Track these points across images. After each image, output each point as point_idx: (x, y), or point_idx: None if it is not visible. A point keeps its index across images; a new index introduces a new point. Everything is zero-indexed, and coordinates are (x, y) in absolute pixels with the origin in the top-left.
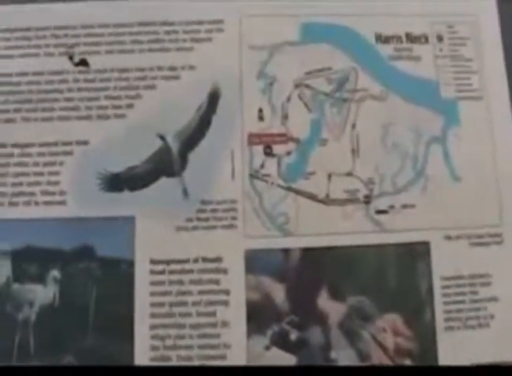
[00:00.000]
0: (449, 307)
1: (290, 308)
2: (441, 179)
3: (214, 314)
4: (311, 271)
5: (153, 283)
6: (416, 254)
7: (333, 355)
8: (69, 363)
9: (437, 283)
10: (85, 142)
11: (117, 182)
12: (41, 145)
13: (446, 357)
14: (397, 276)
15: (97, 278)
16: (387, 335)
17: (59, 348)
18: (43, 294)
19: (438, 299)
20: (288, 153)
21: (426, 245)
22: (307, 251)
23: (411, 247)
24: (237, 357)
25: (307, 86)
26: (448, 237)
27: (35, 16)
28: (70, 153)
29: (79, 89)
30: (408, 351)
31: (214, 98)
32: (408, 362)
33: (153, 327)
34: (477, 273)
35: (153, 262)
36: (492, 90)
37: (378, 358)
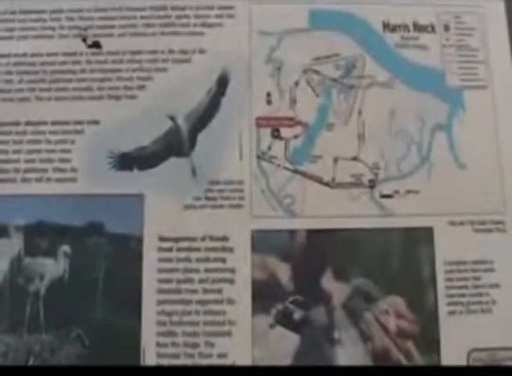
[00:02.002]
0: (452, 292)
1: (294, 287)
2: (446, 166)
3: (220, 291)
4: (316, 252)
5: (160, 260)
6: (419, 239)
7: (335, 335)
8: (77, 336)
9: (440, 268)
10: (96, 122)
11: (126, 161)
12: (54, 123)
13: (448, 341)
14: (401, 259)
15: (106, 254)
16: (390, 317)
17: (68, 320)
18: (53, 268)
19: (441, 284)
20: (295, 137)
21: (430, 230)
22: (312, 233)
23: (415, 232)
24: (242, 334)
25: (315, 72)
26: (452, 223)
27: None
28: (81, 131)
29: (92, 70)
30: (410, 333)
31: (223, 81)
32: (410, 344)
33: (160, 302)
34: (480, 259)
35: (161, 239)
36: (498, 79)
37: (380, 339)
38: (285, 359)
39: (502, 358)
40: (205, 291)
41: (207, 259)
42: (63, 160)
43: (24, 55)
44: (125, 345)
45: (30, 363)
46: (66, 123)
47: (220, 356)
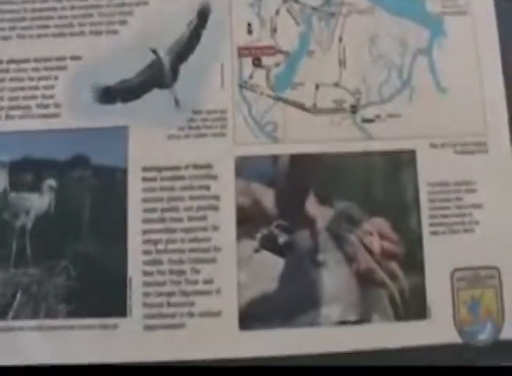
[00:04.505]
0: (435, 212)
1: (278, 212)
2: (427, 90)
3: (204, 219)
4: (300, 177)
5: (145, 190)
6: (402, 162)
7: (320, 257)
8: (64, 268)
9: (423, 190)
10: (79, 57)
11: (109, 94)
12: (36, 60)
13: (431, 261)
14: (384, 182)
15: (91, 186)
16: (374, 239)
17: (54, 253)
18: (39, 202)
19: (424, 205)
20: (277, 65)
21: (412, 153)
22: (295, 158)
23: (397, 155)
24: (227, 260)
25: (295, 0)
26: (434, 145)
27: None
28: (64, 67)
29: (72, 7)
30: (394, 254)
31: (204, 13)
32: (394, 265)
33: (145, 232)
34: (462, 180)
35: (145, 169)
36: (477, 5)
37: (365, 261)
38: (270, 283)
39: (485, 276)
40: (190, 218)
41: (191, 187)
42: (46, 97)
43: None
44: (112, 274)
45: (18, 296)
46: (49, 59)
47: (206, 282)
